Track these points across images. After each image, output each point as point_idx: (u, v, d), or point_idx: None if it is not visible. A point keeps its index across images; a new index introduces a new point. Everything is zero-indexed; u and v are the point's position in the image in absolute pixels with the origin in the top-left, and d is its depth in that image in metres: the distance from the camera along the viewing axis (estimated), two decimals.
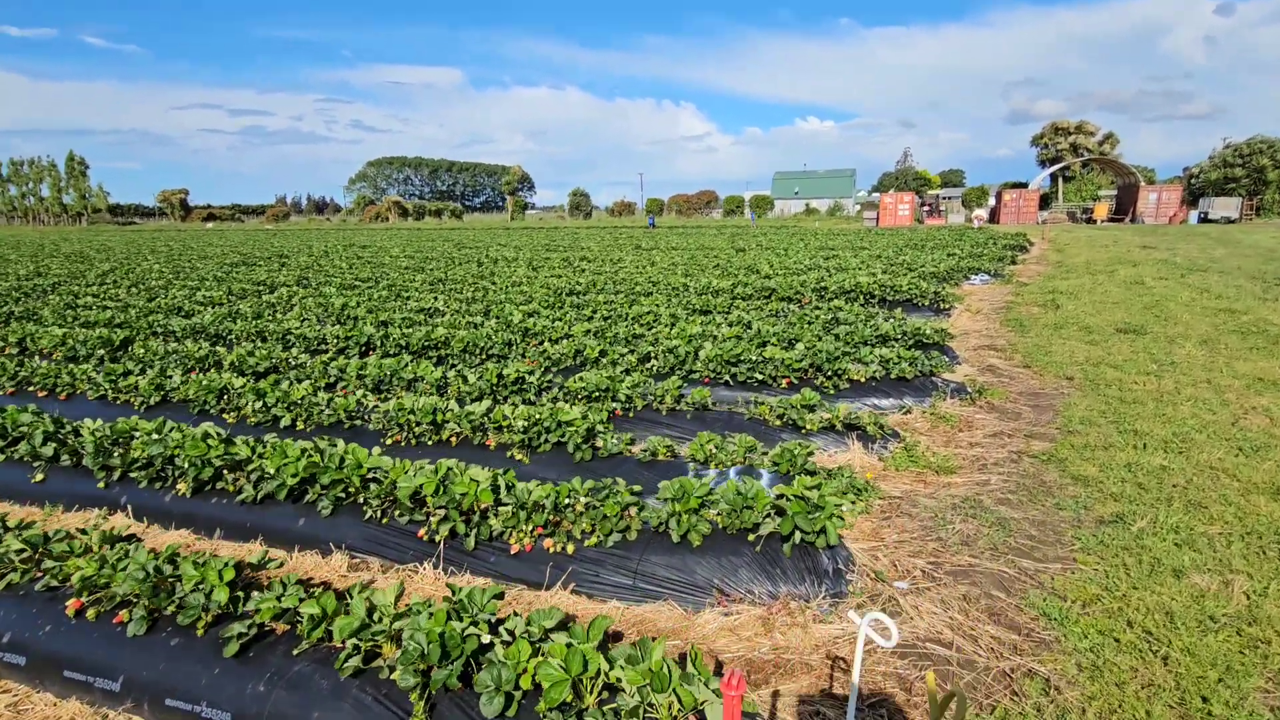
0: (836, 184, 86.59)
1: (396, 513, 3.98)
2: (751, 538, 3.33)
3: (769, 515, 3.34)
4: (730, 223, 60.55)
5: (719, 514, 3.42)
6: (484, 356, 8.41)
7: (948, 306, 11.33)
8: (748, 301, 12.02)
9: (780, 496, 3.40)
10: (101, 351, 9.01)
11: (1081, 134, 62.53)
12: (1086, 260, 19.75)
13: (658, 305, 11.38)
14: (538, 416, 5.10)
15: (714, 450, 4.75)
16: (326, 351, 9.35)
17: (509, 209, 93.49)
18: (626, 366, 7.66)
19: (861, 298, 11.85)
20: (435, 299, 13.01)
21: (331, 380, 7.44)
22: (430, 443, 5.44)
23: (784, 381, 6.94)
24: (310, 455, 4.31)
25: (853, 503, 4.28)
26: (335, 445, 4.43)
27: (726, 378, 7.13)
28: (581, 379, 6.41)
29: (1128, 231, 33.90)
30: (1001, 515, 4.18)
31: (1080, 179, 61.23)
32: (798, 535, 3.23)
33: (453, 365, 8.47)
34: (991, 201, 52.80)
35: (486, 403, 5.46)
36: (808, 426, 5.57)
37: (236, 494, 4.43)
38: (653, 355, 7.74)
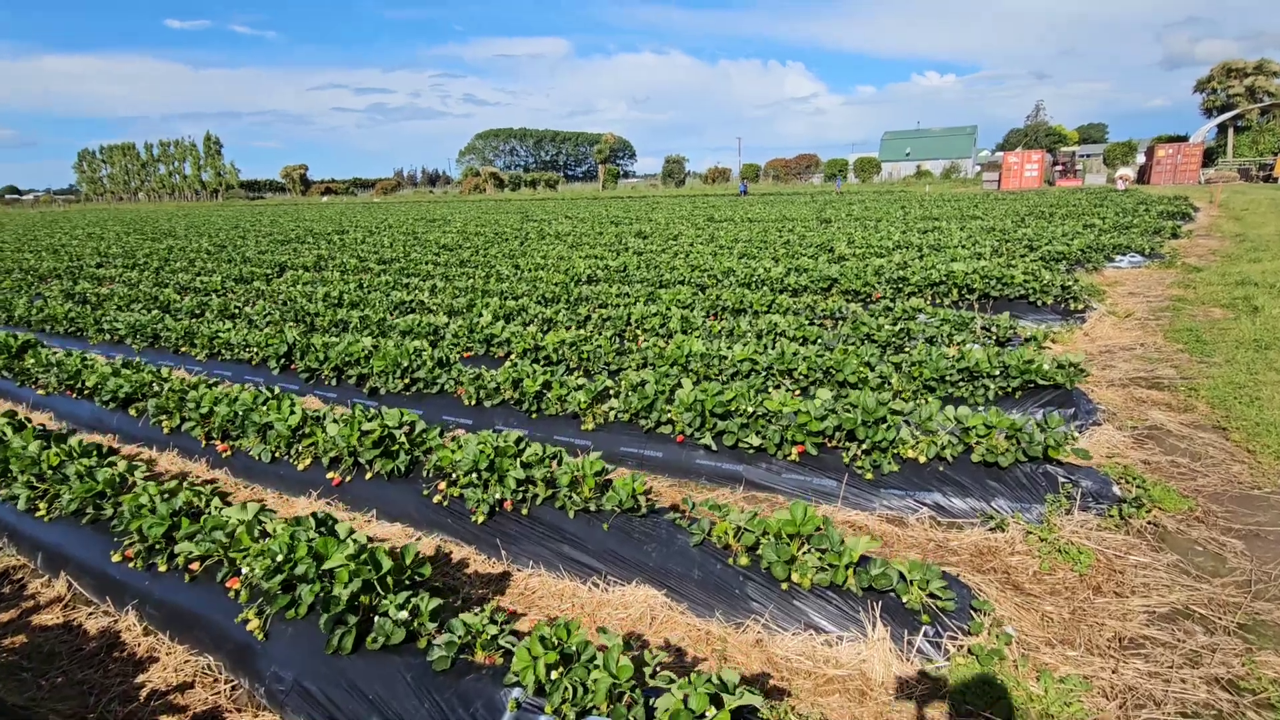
0: (954, 143, 78.84)
1: None
2: None
3: None
4: (830, 188, 55.65)
5: None
6: (407, 381, 6.31)
7: (1080, 307, 8.09)
8: (798, 297, 9.26)
9: None
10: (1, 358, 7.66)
11: (1261, 75, 52.35)
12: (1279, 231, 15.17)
13: (676, 301, 8.88)
14: (285, 555, 2.88)
15: (557, 675, 2.35)
16: (250, 361, 7.61)
17: (601, 178, 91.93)
18: (575, 407, 5.31)
19: (955, 292, 8.78)
20: (426, 288, 11.08)
21: (187, 418, 5.58)
22: (164, 568, 3.37)
23: (795, 450, 4.37)
24: None
25: None
26: None
27: (707, 439, 4.64)
28: (456, 449, 4.12)
29: None
30: None
31: (1257, 129, 51.43)
32: None
33: (374, 389, 6.45)
34: (1140, 159, 45.26)
35: (251, 509, 3.30)
36: (793, 578, 3.04)
37: None
38: (612, 393, 5.34)
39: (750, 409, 4.59)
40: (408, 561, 2.93)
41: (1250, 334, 6.85)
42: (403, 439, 4.44)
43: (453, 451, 4.11)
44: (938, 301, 8.82)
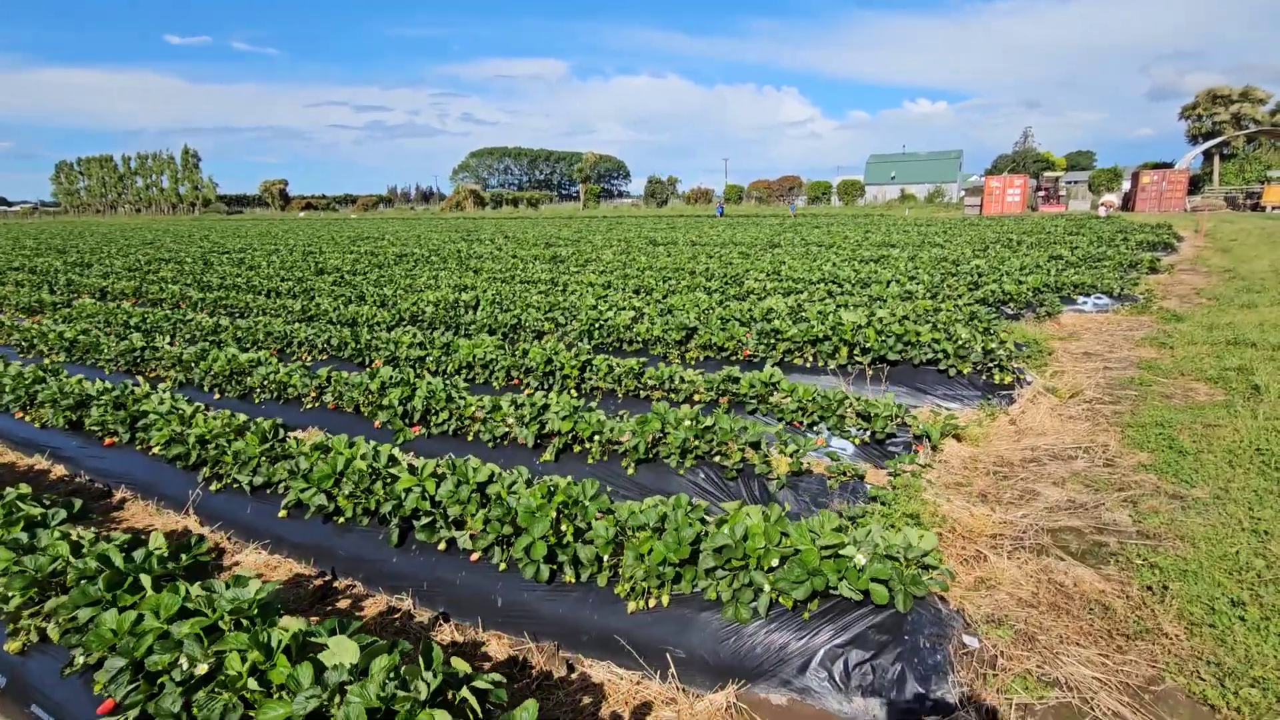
0: (939, 167, 77.32)
1: None
2: None
3: None
4: (814, 211, 53.65)
5: None
6: None
7: (1009, 379, 5.71)
8: (644, 353, 6.90)
9: None
10: None
11: (1247, 102, 50.95)
12: (1274, 265, 12.92)
13: (473, 358, 6.49)
14: None
15: None
16: None
17: (582, 198, 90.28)
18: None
19: (844, 351, 6.37)
20: (209, 327, 8.65)
21: None
22: None
23: None
24: None
25: None
26: None
27: None
28: None
29: None
30: None
31: (1244, 157, 49.88)
32: None
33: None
34: (1126, 185, 43.41)
35: None
36: None
37: None
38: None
39: (195, 668, 2.15)
40: None
41: (1250, 436, 4.47)
42: None
43: None
44: (821, 364, 6.43)
